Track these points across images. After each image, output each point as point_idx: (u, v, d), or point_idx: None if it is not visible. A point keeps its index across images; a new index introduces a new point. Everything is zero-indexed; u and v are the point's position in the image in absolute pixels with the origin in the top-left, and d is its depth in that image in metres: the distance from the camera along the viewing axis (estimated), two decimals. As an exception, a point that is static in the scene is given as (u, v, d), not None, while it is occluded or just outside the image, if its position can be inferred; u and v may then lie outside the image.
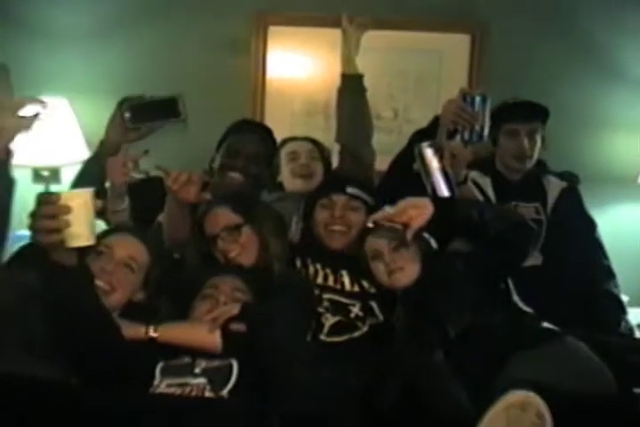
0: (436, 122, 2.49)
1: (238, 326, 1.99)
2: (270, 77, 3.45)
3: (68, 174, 3.18)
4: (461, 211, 2.15)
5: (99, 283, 1.94)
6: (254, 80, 3.43)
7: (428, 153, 2.11)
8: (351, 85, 2.77)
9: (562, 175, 2.90)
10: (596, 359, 2.03)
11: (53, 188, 3.24)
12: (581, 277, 2.79)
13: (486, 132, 2.39)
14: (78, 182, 2.49)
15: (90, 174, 2.46)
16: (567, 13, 3.39)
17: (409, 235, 2.03)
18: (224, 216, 2.35)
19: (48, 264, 1.67)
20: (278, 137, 2.95)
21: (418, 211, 2.09)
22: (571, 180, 2.89)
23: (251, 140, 2.71)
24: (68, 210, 1.61)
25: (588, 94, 3.43)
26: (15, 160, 3.06)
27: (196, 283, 2.20)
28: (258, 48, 3.41)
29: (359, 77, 2.78)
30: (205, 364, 1.91)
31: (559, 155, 3.06)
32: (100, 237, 2.05)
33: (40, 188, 3.24)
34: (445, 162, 2.25)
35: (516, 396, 1.68)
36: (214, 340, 1.96)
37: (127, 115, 2.34)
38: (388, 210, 2.11)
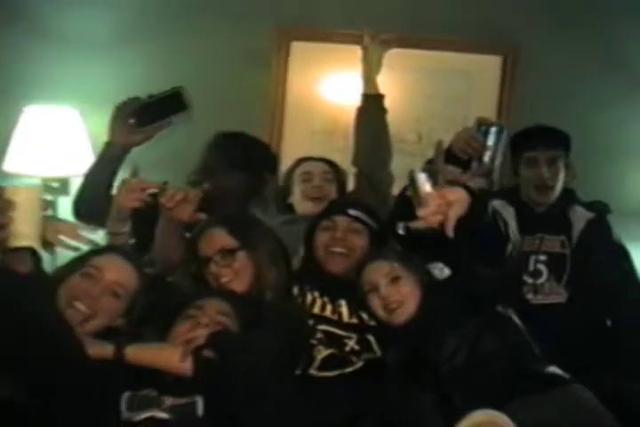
0: (449, 151, 2.40)
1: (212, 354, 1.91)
2: (290, 94, 3.38)
3: (77, 186, 3.10)
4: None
5: (79, 306, 1.91)
6: (274, 96, 3.36)
7: (421, 178, 1.98)
8: (371, 106, 2.71)
9: (591, 205, 2.78)
10: (601, 411, 1.92)
11: (62, 200, 3.19)
12: (607, 316, 2.71)
13: (496, 165, 2.32)
14: (84, 190, 2.48)
15: (96, 181, 2.44)
16: (604, 36, 3.31)
17: (449, 231, 1.84)
18: (219, 238, 2.25)
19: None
20: (296, 156, 2.92)
21: (450, 204, 1.89)
22: (600, 209, 2.77)
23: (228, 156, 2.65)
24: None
25: (626, 123, 3.33)
26: (24, 170, 3.08)
27: (182, 305, 2.11)
28: (279, 63, 3.34)
29: (380, 98, 2.71)
30: (171, 401, 1.83)
31: (590, 186, 2.94)
32: (90, 255, 2.02)
33: (49, 199, 3.14)
34: (439, 188, 2.12)
35: (480, 416, 1.61)
36: (185, 363, 1.88)
37: (132, 120, 2.31)
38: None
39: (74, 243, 1.92)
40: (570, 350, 2.35)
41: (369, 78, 2.69)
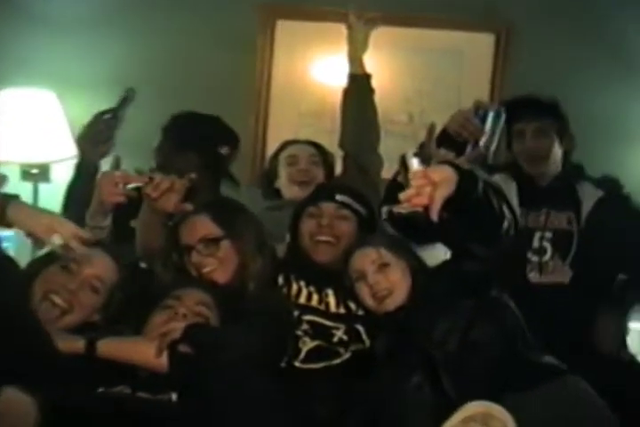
0: (443, 133, 2.34)
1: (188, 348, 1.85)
2: (276, 75, 3.33)
3: (58, 172, 3.14)
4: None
5: (56, 299, 1.90)
6: (259, 78, 3.30)
7: (413, 163, 1.91)
8: (357, 86, 2.66)
9: (600, 182, 2.69)
10: (598, 403, 1.90)
11: (42, 186, 3.17)
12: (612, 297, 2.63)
13: (491, 151, 2.25)
14: (67, 207, 2.49)
15: (79, 199, 2.42)
16: (599, 14, 3.25)
17: (433, 215, 1.75)
18: (203, 226, 2.18)
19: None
20: (283, 140, 2.88)
21: (435, 184, 1.79)
22: (610, 187, 2.68)
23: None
24: None
25: (622, 102, 3.28)
26: (1, 156, 3.01)
27: (161, 296, 2.06)
28: (264, 43, 3.29)
29: (366, 77, 2.66)
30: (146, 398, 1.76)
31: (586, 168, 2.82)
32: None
33: (29, 186, 3.15)
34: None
35: (475, 407, 1.56)
36: (160, 358, 1.83)
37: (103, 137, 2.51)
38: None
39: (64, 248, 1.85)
40: (566, 334, 2.34)
41: (355, 58, 2.63)
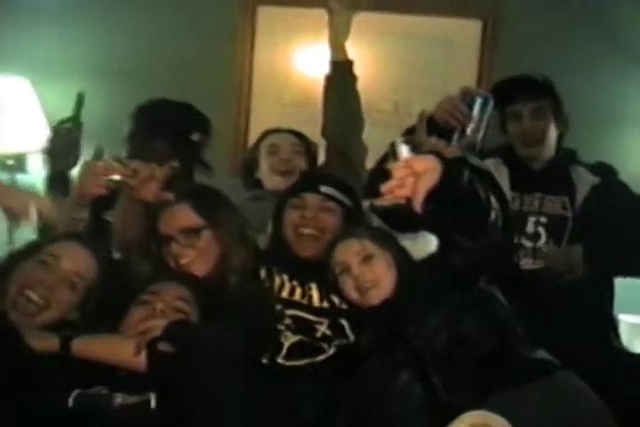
0: (431, 120, 2.30)
1: (168, 347, 1.78)
2: (258, 63, 3.29)
3: (35, 162, 3.09)
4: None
5: (32, 295, 1.84)
6: (240, 66, 3.26)
7: (404, 151, 1.84)
8: (339, 73, 2.59)
9: (594, 167, 2.65)
10: (593, 401, 1.85)
11: (20, 177, 3.14)
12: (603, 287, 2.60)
13: (479, 138, 2.23)
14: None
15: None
16: None
17: (417, 207, 1.67)
18: (183, 216, 2.11)
19: None
20: (265, 129, 2.82)
21: (418, 175, 1.72)
22: (606, 173, 2.64)
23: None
24: None
25: (614, 89, 3.26)
26: None
27: (138, 291, 1.99)
28: (245, 30, 3.25)
29: (349, 64, 2.58)
30: (122, 399, 1.69)
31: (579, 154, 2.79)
32: (47, 241, 1.94)
33: (6, 177, 3.09)
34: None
35: (473, 417, 1.55)
36: (138, 357, 1.76)
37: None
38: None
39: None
40: (560, 324, 2.30)
41: (336, 44, 2.57)
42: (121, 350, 1.76)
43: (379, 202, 1.75)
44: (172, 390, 1.67)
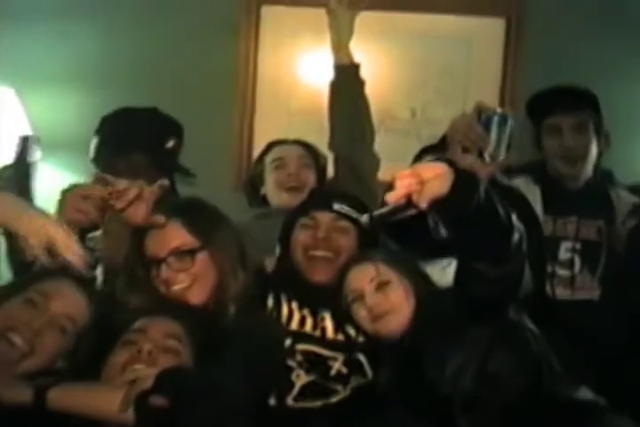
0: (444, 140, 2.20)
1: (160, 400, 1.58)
2: (262, 68, 3.20)
3: None
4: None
5: (15, 339, 1.68)
6: (243, 71, 3.17)
7: None
8: (344, 78, 2.50)
9: (634, 189, 2.59)
10: None
11: None
12: None
13: (499, 161, 2.09)
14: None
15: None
16: None
17: (422, 203, 1.59)
18: (175, 236, 1.93)
19: None
20: (270, 139, 2.71)
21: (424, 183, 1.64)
22: None
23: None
24: None
25: None
26: None
27: (125, 326, 1.81)
28: (248, 32, 3.16)
29: (354, 68, 2.49)
30: None
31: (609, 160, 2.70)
32: (35, 278, 1.80)
33: None
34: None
35: None
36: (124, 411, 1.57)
37: None
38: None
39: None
40: (602, 360, 2.22)
41: (339, 46, 2.48)
42: (105, 403, 1.58)
43: (379, 212, 1.66)
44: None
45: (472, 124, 2.07)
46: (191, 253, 1.91)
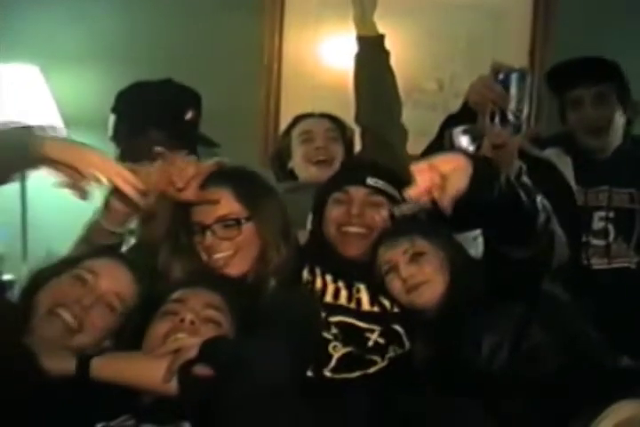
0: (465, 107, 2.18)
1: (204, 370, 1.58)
2: (288, 43, 3.20)
3: None
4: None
5: (65, 315, 1.67)
6: (269, 46, 3.17)
7: (463, 141, 1.82)
8: (369, 50, 2.47)
9: None
10: None
11: None
12: None
13: (523, 119, 2.03)
14: None
15: None
16: None
17: (446, 209, 1.58)
18: (224, 203, 1.91)
19: None
20: (296, 114, 2.70)
21: (445, 177, 1.62)
22: None
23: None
24: None
25: None
26: None
27: (161, 298, 1.80)
28: (273, 8, 3.15)
29: (379, 39, 2.46)
30: None
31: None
32: (83, 257, 1.79)
33: None
34: (486, 152, 1.92)
35: (628, 409, 1.42)
36: (168, 381, 1.57)
37: None
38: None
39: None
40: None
41: (362, 17, 2.45)
42: (148, 372, 1.57)
43: (401, 209, 1.69)
44: (208, 420, 1.50)
45: (489, 84, 2.05)
46: (238, 222, 1.90)
